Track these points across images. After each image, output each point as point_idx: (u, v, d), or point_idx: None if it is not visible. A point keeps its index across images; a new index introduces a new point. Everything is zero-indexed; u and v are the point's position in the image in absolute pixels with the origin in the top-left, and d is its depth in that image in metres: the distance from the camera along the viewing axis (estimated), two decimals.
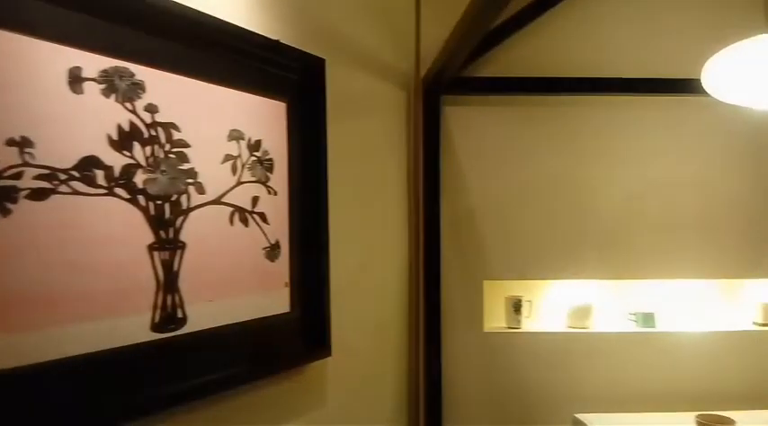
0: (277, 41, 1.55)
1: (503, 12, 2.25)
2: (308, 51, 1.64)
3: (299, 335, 1.63)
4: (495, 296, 2.49)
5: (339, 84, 1.80)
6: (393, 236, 2.21)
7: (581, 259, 2.41)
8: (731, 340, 2.44)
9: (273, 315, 1.55)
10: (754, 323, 2.53)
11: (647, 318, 2.47)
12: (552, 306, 2.55)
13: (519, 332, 2.42)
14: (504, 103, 2.40)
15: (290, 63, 1.59)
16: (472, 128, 2.39)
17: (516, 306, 2.45)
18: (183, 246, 1.29)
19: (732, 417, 1.90)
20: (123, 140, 1.18)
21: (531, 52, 2.39)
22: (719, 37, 1.74)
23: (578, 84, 2.35)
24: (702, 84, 1.73)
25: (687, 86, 2.18)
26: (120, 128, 1.18)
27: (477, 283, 2.40)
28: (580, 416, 2.18)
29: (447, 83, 2.23)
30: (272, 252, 1.53)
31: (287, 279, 1.58)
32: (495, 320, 2.50)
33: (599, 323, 2.50)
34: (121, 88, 1.18)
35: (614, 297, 2.55)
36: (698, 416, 1.90)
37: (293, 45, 1.60)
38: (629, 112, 2.42)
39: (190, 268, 1.30)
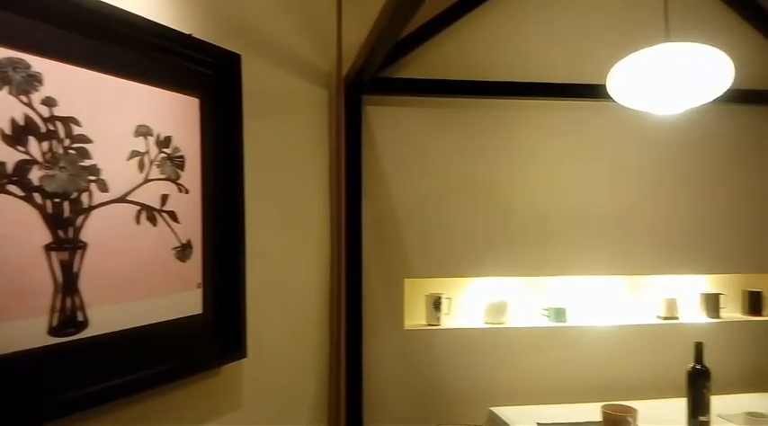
0: (189, 35, 1.51)
1: (423, 13, 2.31)
2: (223, 47, 1.60)
3: (212, 337, 1.60)
4: (416, 294, 2.53)
5: (257, 82, 1.78)
6: (314, 236, 2.20)
7: (498, 257, 2.48)
8: (637, 333, 2.58)
9: (185, 317, 1.51)
10: (658, 317, 2.69)
11: (559, 313, 2.57)
12: (470, 302, 2.61)
13: (438, 329, 2.46)
14: (425, 104, 2.44)
15: (203, 58, 1.55)
16: (394, 128, 2.42)
17: (436, 304, 2.49)
18: (83, 246, 1.23)
19: (635, 406, 2.00)
20: (17, 135, 1.12)
21: (451, 55, 2.45)
22: (625, 44, 1.84)
23: (493, 88, 2.43)
24: (607, 90, 1.83)
25: (595, 91, 2.28)
26: (13, 121, 1.11)
27: (398, 282, 2.42)
28: (495, 409, 2.25)
29: (368, 82, 2.24)
30: (183, 252, 1.49)
31: (200, 280, 1.55)
32: (415, 318, 2.54)
33: (514, 319, 2.58)
34: (16, 80, 1.12)
35: (529, 294, 2.64)
36: (603, 406, 1.99)
37: (207, 40, 1.56)
38: (542, 115, 2.52)
39: (92, 269, 1.25)
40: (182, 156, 1.48)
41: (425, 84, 2.39)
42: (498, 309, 2.54)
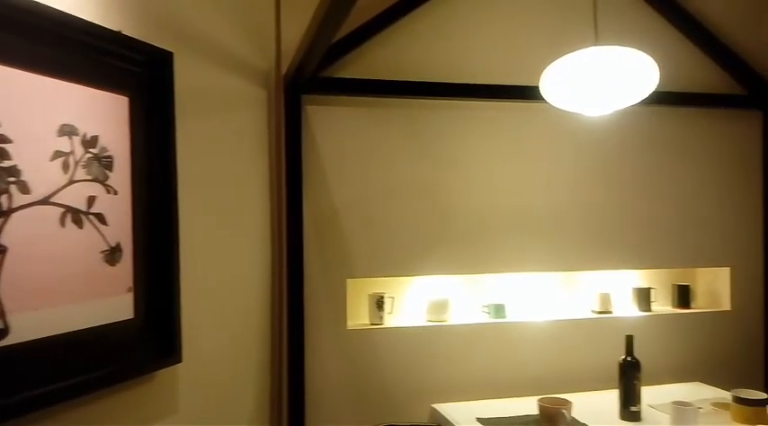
0: (118, 33, 1.46)
1: (364, 12, 2.31)
2: (153, 44, 1.56)
3: (145, 342, 1.55)
4: (359, 293, 2.54)
5: (191, 80, 1.74)
6: (254, 237, 2.17)
7: (438, 255, 2.51)
8: (573, 327, 2.66)
9: (116, 322, 1.46)
10: (593, 312, 2.78)
11: (499, 309, 2.62)
12: (413, 301, 2.63)
13: (381, 329, 2.47)
14: (366, 104, 2.45)
15: (132, 56, 1.51)
16: (335, 127, 2.42)
17: (379, 303, 2.51)
18: (3, 250, 1.18)
19: (570, 399, 2.07)
20: None
21: (391, 55, 2.46)
22: (558, 46, 1.90)
23: (432, 88, 2.46)
24: (540, 92, 1.87)
25: (530, 93, 2.34)
26: None
27: (340, 281, 2.42)
28: (437, 406, 2.28)
29: (308, 82, 2.23)
30: (112, 255, 1.44)
31: (130, 284, 1.50)
32: (359, 317, 2.54)
33: (456, 316, 2.62)
34: None
35: (469, 291, 2.69)
36: (539, 400, 2.05)
37: (137, 37, 1.52)
38: (481, 116, 2.56)
39: (12, 274, 1.19)
40: (110, 157, 1.44)
41: (365, 84, 2.40)
42: (440, 307, 2.58)
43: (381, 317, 2.51)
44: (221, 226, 1.95)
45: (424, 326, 2.52)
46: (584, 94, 1.80)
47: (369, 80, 2.40)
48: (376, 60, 2.44)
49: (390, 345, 2.45)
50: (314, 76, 2.25)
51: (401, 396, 2.45)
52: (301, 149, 2.32)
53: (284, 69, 2.27)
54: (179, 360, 1.64)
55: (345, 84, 2.38)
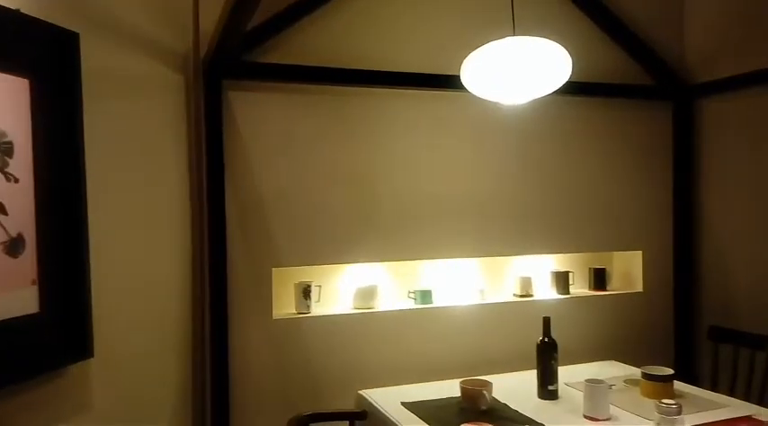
0: (16, 11, 1.38)
1: None
2: (57, 24, 1.48)
3: (53, 337, 1.49)
4: (286, 282, 2.51)
5: (100, 63, 1.67)
6: (172, 227, 2.11)
7: (365, 243, 2.52)
8: (495, 311, 2.74)
9: (19, 317, 1.39)
10: (514, 295, 2.87)
11: (425, 295, 2.66)
12: (340, 289, 2.64)
13: (308, 317, 2.46)
14: (290, 91, 2.41)
15: (33, 36, 1.43)
16: (258, 114, 2.37)
17: (306, 292, 2.49)
18: None
19: (491, 380, 2.13)
20: None
21: (314, 41, 2.44)
22: (478, 35, 1.93)
23: (355, 76, 2.45)
24: (461, 80, 1.90)
25: (453, 82, 2.37)
26: None
27: (265, 271, 2.39)
28: (363, 392, 2.29)
29: (228, 67, 2.18)
30: (14, 246, 1.37)
31: (34, 277, 1.43)
32: (285, 306, 2.52)
33: (383, 303, 2.64)
34: None
35: (397, 278, 2.72)
36: (461, 382, 2.10)
37: (38, 16, 1.44)
38: (405, 104, 2.58)
39: None
40: (9, 142, 1.36)
41: (288, 70, 2.36)
42: (367, 294, 2.59)
43: (308, 306, 2.50)
44: (136, 216, 1.88)
45: (351, 314, 2.53)
46: (502, 83, 1.84)
47: (292, 66, 2.37)
48: (299, 46, 2.41)
49: (317, 334, 2.45)
50: (235, 61, 2.19)
51: (328, 384, 2.45)
52: (222, 136, 2.27)
53: (203, 53, 2.21)
54: (90, 356, 1.58)
55: (267, 69, 2.34)
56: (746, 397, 2.29)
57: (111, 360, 1.71)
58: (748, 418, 1.93)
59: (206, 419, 2.30)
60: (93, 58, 1.61)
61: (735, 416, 1.95)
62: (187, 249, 2.19)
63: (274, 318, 2.40)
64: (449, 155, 2.66)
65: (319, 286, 2.57)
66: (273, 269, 2.40)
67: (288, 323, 2.42)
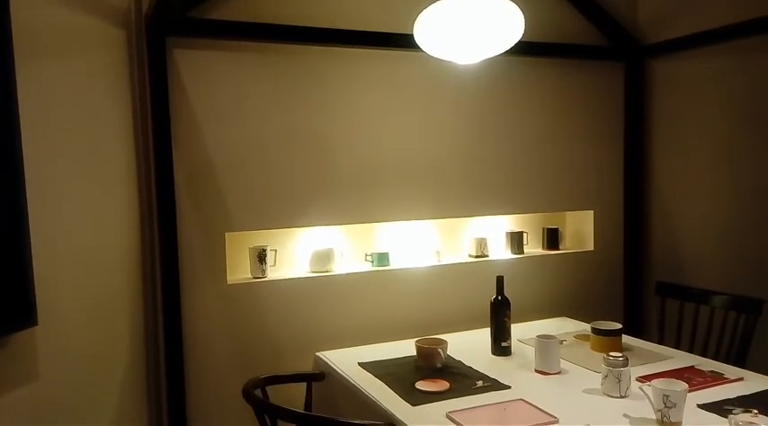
0: None
1: None
2: None
3: None
4: (240, 247, 2.48)
5: (33, 18, 1.57)
6: (118, 191, 2.03)
7: (320, 206, 2.50)
8: (451, 271, 2.76)
9: None
10: (470, 256, 2.90)
11: (382, 258, 2.67)
12: (297, 253, 2.62)
13: (263, 282, 2.44)
14: (240, 49, 2.33)
15: None
16: (206, 73, 2.29)
17: (261, 256, 2.46)
18: None
19: (447, 338, 2.16)
20: None
21: None
22: None
23: (307, 34, 2.38)
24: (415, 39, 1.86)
25: (408, 41, 2.33)
26: None
27: (218, 235, 2.35)
28: (320, 354, 2.30)
29: (173, 23, 2.09)
30: None
31: None
32: (240, 271, 2.49)
33: (340, 266, 2.64)
34: None
35: (353, 241, 2.71)
36: (416, 341, 2.12)
37: None
38: (360, 64, 2.53)
39: None
40: None
41: (238, 27, 2.28)
42: (324, 257, 2.58)
43: (264, 270, 2.47)
44: (78, 181, 1.80)
45: (307, 277, 2.52)
46: (455, 42, 1.82)
47: (242, 23, 2.28)
48: (251, 2, 2.32)
49: (274, 298, 2.43)
50: (179, 17, 2.10)
51: (286, 348, 2.45)
52: (168, 96, 2.19)
53: (145, 8, 2.10)
54: (34, 324, 1.52)
55: (215, 26, 2.25)
56: (690, 349, 2.38)
57: (58, 328, 1.66)
58: (691, 368, 2.02)
59: (160, 386, 2.28)
60: (25, 12, 1.51)
61: (679, 367, 2.03)
62: (135, 214, 2.12)
63: (229, 283, 2.37)
64: (404, 117, 2.63)
65: (275, 250, 2.54)
66: (227, 233, 2.36)
67: (243, 287, 2.40)
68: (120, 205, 2.04)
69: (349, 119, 2.53)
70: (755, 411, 1.40)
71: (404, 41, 2.41)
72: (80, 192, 1.81)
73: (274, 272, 2.53)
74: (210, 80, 2.29)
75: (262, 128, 2.39)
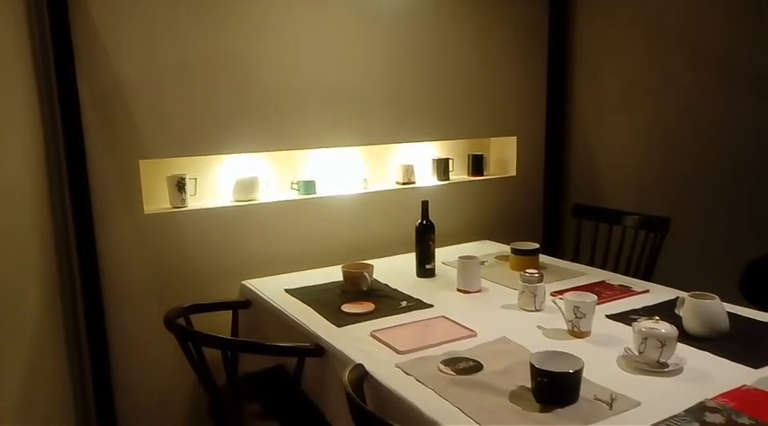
0: None
1: None
2: None
3: None
4: (158, 176, 2.38)
5: None
6: (18, 120, 1.87)
7: (242, 132, 2.41)
8: (379, 198, 2.77)
9: None
10: (397, 183, 2.91)
11: (308, 186, 2.63)
12: (219, 182, 2.54)
13: (184, 211, 2.36)
14: None
15: None
16: None
17: (180, 185, 2.37)
18: None
19: (373, 263, 2.18)
20: None
21: None
22: None
23: None
24: None
25: None
26: None
27: (131, 163, 2.23)
28: (246, 282, 2.28)
29: None
30: None
31: None
32: (159, 201, 2.40)
33: (265, 195, 2.58)
34: None
35: (279, 169, 2.65)
36: (343, 266, 2.14)
37: None
38: None
39: None
40: None
41: None
42: (248, 186, 2.51)
43: (184, 200, 2.39)
44: None
45: (231, 206, 2.45)
46: None
47: None
48: None
49: (196, 228, 2.36)
50: None
51: (211, 278, 2.41)
52: (68, 16, 2.01)
53: None
54: None
55: None
56: (603, 266, 2.52)
57: None
58: (602, 283, 2.14)
59: (78, 323, 2.20)
60: None
61: (591, 282, 2.15)
62: (38, 145, 1.97)
63: (146, 213, 2.28)
64: (328, 41, 2.54)
65: (195, 179, 2.45)
66: (141, 161, 2.25)
67: (162, 217, 2.31)
68: (19, 135, 1.88)
69: (270, 42, 2.41)
70: (657, 317, 1.49)
71: None
72: None
73: (195, 202, 2.46)
74: (117, 2, 2.11)
75: (177, 52, 2.24)
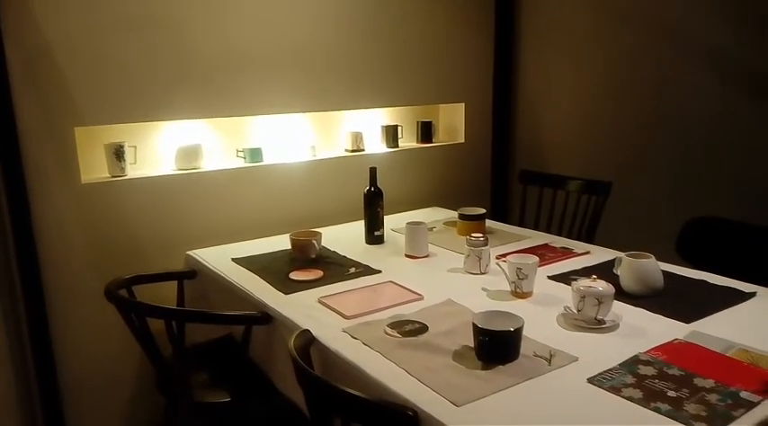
0: None
1: None
2: None
3: None
4: (96, 143, 2.29)
5: None
6: None
7: (182, 98, 2.33)
8: (327, 166, 2.74)
9: None
10: (346, 150, 2.89)
11: (255, 153, 2.58)
12: (161, 150, 2.46)
13: (124, 180, 2.28)
14: None
15: None
16: None
17: (118, 153, 2.29)
18: None
19: (322, 231, 2.17)
20: None
21: None
22: None
23: None
24: None
25: None
26: None
27: (66, 131, 2.13)
28: (192, 252, 2.23)
29: None
30: None
31: None
32: (98, 170, 2.31)
33: (209, 163, 2.52)
34: None
35: (224, 137, 2.59)
36: (291, 234, 2.12)
37: None
38: None
39: None
40: None
41: None
42: (191, 154, 2.45)
43: (123, 168, 2.31)
44: None
45: (173, 175, 2.38)
46: None
47: None
48: None
49: (137, 197, 2.29)
50: None
51: (154, 248, 2.35)
52: None
53: None
54: None
55: None
56: (547, 230, 2.58)
57: None
58: (545, 245, 2.19)
59: (16, 298, 2.12)
60: None
61: (534, 245, 2.20)
62: None
63: (83, 182, 2.19)
64: (272, 2, 2.46)
65: (134, 146, 2.37)
66: (76, 128, 2.15)
67: (100, 187, 2.23)
68: None
69: (213, 1, 2.33)
70: (594, 276, 1.54)
71: None
72: None
73: (136, 171, 2.38)
74: None
75: (112, 11, 2.13)
